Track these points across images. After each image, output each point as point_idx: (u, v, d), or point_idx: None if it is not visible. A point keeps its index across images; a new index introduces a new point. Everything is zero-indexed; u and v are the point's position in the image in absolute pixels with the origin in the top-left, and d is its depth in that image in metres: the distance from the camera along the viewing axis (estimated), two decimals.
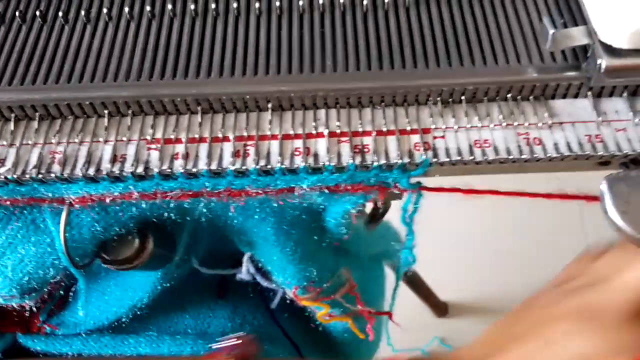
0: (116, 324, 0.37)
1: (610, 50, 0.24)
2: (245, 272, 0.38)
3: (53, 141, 0.24)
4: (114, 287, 0.39)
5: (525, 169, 0.28)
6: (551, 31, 0.24)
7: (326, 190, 0.25)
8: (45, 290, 0.28)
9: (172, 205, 0.25)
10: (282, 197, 0.25)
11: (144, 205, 0.26)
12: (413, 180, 0.25)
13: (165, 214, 0.27)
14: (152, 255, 0.28)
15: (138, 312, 0.36)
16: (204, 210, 0.26)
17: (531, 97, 0.26)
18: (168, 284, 0.36)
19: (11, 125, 0.24)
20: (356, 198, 0.26)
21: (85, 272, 0.28)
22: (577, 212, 1.01)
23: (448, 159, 0.24)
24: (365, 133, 0.25)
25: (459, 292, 0.95)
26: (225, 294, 0.42)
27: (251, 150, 0.24)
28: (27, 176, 0.23)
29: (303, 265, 0.32)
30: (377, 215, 0.34)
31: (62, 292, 0.33)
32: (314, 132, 0.25)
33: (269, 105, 0.25)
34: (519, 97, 0.26)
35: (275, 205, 0.26)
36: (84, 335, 0.34)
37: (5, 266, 0.26)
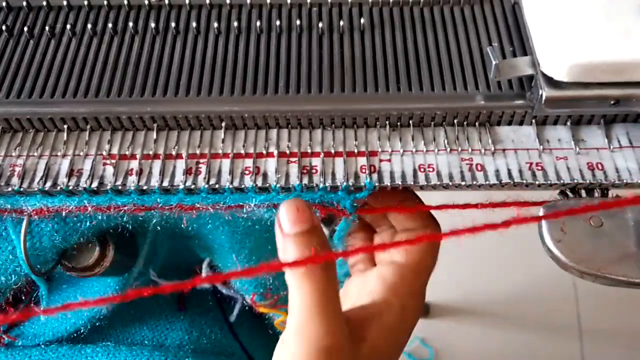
0: (75, 335, 0.38)
1: (551, 82, 0.25)
2: (204, 274, 0.39)
3: (14, 154, 0.25)
4: (73, 299, 0.40)
5: (483, 188, 0.28)
6: (494, 61, 0.24)
7: (273, 208, 0.26)
8: (8, 294, 0.29)
9: (127, 217, 0.26)
10: (232, 212, 0.26)
11: (100, 217, 0.27)
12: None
13: (124, 224, 0.28)
14: (112, 263, 0.30)
15: (97, 324, 0.37)
16: (160, 219, 0.27)
17: (477, 123, 0.27)
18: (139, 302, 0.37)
19: None
20: None
21: (46, 282, 0.29)
22: None
23: (392, 183, 0.25)
24: (314, 154, 0.26)
25: (441, 293, 0.96)
26: (185, 306, 0.43)
27: (203, 168, 0.25)
28: None
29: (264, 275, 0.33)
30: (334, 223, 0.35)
31: (24, 304, 0.34)
32: (264, 152, 0.26)
33: (223, 124, 0.26)
34: (465, 123, 0.27)
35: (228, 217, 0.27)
36: (42, 346, 0.35)
37: None
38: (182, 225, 0.30)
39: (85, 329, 0.38)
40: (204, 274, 0.38)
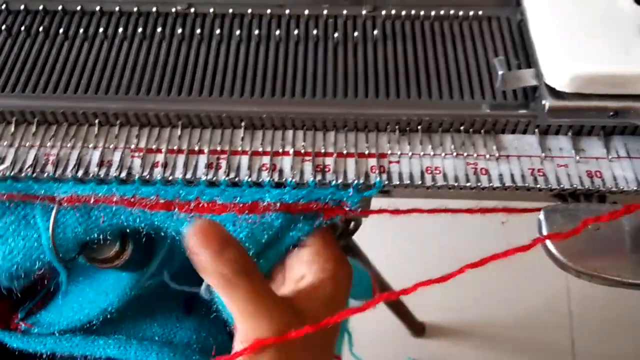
0: (87, 325, 0.39)
1: (554, 93, 0.26)
2: (204, 289, 0.40)
3: (48, 144, 0.27)
4: (88, 290, 0.42)
5: (482, 196, 0.30)
6: (500, 72, 0.26)
7: (283, 212, 0.27)
8: (32, 278, 0.31)
9: (145, 221, 0.28)
10: (245, 216, 0.27)
11: (121, 217, 0.28)
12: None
13: (142, 228, 0.29)
14: (131, 259, 0.31)
15: (108, 316, 0.39)
16: (177, 225, 0.28)
17: (482, 131, 0.28)
18: (138, 292, 0.39)
19: (12, 128, 0.27)
20: (307, 225, 0.28)
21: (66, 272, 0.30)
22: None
23: (400, 183, 0.26)
24: (327, 154, 0.27)
25: (437, 314, 0.96)
26: (192, 310, 0.44)
27: (223, 163, 0.27)
28: (23, 174, 0.26)
29: None
30: (346, 233, 0.36)
31: (43, 293, 0.36)
32: (280, 150, 0.27)
33: (242, 124, 0.28)
34: (471, 130, 0.28)
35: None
36: (56, 334, 0.37)
37: None
38: None
39: (98, 321, 0.39)
40: (202, 291, 0.39)
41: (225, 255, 0.25)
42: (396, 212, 0.28)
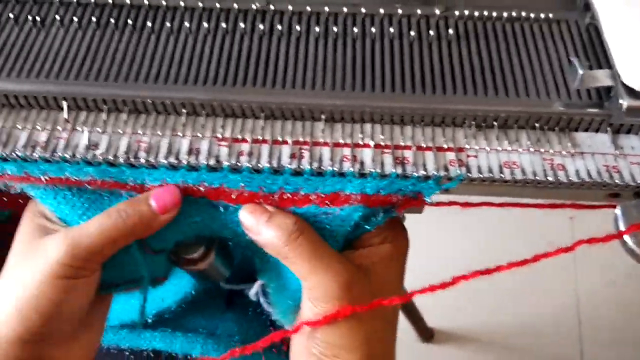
0: (137, 323, 0.40)
1: (632, 92, 0.27)
2: (253, 294, 0.41)
3: (139, 132, 0.28)
4: (140, 295, 0.42)
5: (541, 194, 0.30)
6: (581, 71, 0.27)
7: (362, 205, 0.28)
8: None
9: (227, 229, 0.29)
10: (325, 209, 0.28)
11: (208, 224, 0.29)
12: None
13: (224, 236, 0.30)
14: (213, 264, 0.32)
15: (164, 316, 0.39)
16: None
17: (556, 128, 0.29)
18: (199, 294, 0.40)
19: (103, 116, 0.28)
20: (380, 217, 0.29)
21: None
22: (569, 244, 1.03)
23: (480, 176, 0.27)
24: (406, 147, 0.28)
25: (446, 320, 0.96)
26: (232, 304, 0.45)
27: (306, 154, 0.28)
28: (120, 159, 0.27)
29: None
30: None
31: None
32: (360, 142, 0.28)
33: (323, 117, 0.29)
34: (545, 127, 0.29)
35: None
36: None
37: None
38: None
39: (151, 320, 0.40)
40: (252, 293, 0.40)
41: (275, 220, 0.27)
42: (466, 204, 0.29)
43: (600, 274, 1.00)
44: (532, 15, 0.32)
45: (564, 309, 0.99)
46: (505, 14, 0.32)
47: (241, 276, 0.42)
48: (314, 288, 0.27)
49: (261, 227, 0.27)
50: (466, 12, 0.32)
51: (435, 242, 0.94)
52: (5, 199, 0.36)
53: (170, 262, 0.32)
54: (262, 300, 0.40)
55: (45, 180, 0.27)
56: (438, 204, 0.28)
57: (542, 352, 0.96)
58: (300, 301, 0.31)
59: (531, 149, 0.28)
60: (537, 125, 0.29)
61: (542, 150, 0.28)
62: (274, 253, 0.28)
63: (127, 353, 0.40)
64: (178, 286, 0.40)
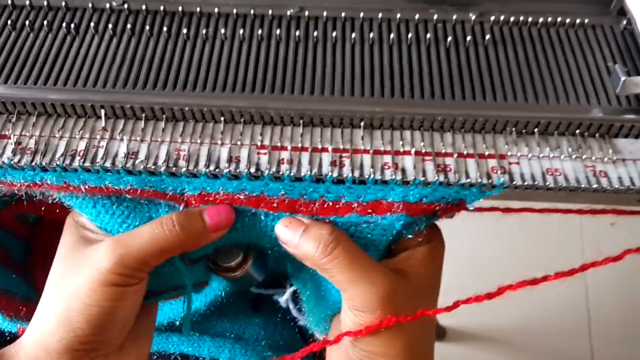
0: (166, 325, 0.40)
1: None
2: (284, 300, 0.41)
3: (179, 140, 0.28)
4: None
5: (573, 199, 0.30)
6: (623, 78, 0.27)
7: (405, 214, 0.28)
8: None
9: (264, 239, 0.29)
10: (366, 218, 0.28)
11: (246, 228, 0.29)
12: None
13: (264, 241, 0.30)
14: (250, 270, 0.32)
15: (192, 319, 0.39)
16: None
17: (597, 134, 0.29)
18: (227, 297, 0.39)
19: (141, 124, 0.28)
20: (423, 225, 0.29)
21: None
22: (579, 245, 1.03)
23: (523, 183, 0.27)
24: (447, 154, 0.28)
25: (458, 318, 0.96)
26: (259, 308, 0.45)
27: (346, 161, 0.28)
28: (160, 168, 0.26)
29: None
30: None
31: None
32: (401, 150, 0.28)
33: (362, 124, 0.29)
34: (585, 134, 0.29)
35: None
36: None
37: None
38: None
39: (179, 323, 0.40)
40: (283, 300, 0.40)
41: (312, 232, 0.27)
42: (508, 210, 0.29)
43: (610, 270, 1.00)
44: (567, 20, 0.32)
45: (573, 307, 0.99)
46: (540, 19, 0.32)
47: (269, 281, 0.41)
48: (355, 298, 0.27)
49: (298, 240, 0.27)
50: (502, 17, 0.32)
51: (459, 244, 0.94)
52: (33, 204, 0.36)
53: (208, 269, 0.32)
54: (291, 306, 0.40)
55: (85, 189, 0.27)
56: (479, 209, 0.28)
57: (553, 349, 0.96)
58: (336, 310, 0.31)
59: (573, 156, 0.28)
60: (577, 131, 0.29)
61: (583, 157, 0.28)
62: (312, 265, 0.28)
63: (155, 357, 0.40)
64: (208, 289, 0.40)
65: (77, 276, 0.25)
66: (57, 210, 0.30)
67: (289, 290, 0.37)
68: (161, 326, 0.41)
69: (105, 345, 0.26)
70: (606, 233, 1.06)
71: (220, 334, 0.43)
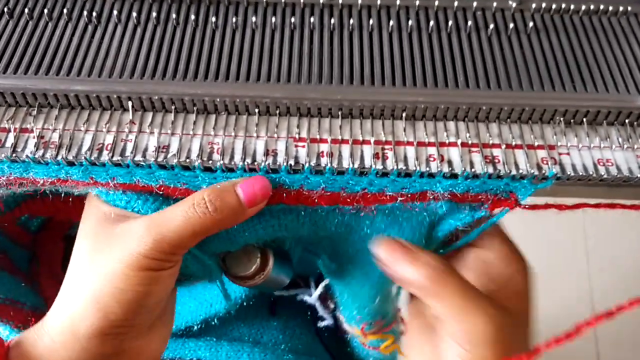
0: (184, 330, 0.38)
1: None
2: (314, 297, 0.39)
3: (212, 133, 0.26)
4: (188, 299, 0.40)
5: (614, 194, 0.29)
6: None
7: (450, 200, 0.26)
8: None
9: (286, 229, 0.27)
10: (409, 206, 0.27)
11: (264, 228, 0.28)
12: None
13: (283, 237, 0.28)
14: (271, 273, 0.29)
15: (210, 323, 0.37)
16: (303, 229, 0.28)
17: None
18: (247, 300, 0.38)
19: (171, 117, 0.27)
20: (468, 216, 0.27)
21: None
22: (582, 246, 1.02)
23: (575, 174, 0.26)
24: (494, 145, 0.27)
25: None
26: (276, 311, 0.43)
27: (389, 154, 0.26)
28: (195, 162, 0.25)
29: (382, 303, 0.33)
30: None
31: None
32: (446, 141, 0.27)
33: (403, 114, 0.27)
34: (635, 123, 0.28)
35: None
36: None
37: None
38: (322, 245, 0.30)
39: (197, 328, 0.38)
40: (315, 293, 0.38)
41: (421, 259, 0.25)
42: (562, 206, 0.27)
43: (614, 270, 0.99)
44: (610, 8, 0.31)
45: (578, 308, 0.98)
46: (582, 7, 0.30)
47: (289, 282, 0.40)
48: (465, 331, 0.25)
49: (405, 266, 0.26)
50: (543, 5, 0.30)
51: None
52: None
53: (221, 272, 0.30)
54: (318, 305, 0.38)
55: (114, 185, 0.25)
56: (534, 206, 0.27)
57: (558, 352, 0.95)
58: (374, 299, 0.29)
59: (625, 146, 0.27)
60: (627, 121, 0.28)
61: (635, 146, 0.27)
62: (417, 291, 0.26)
63: None
64: (227, 291, 0.38)
65: (109, 257, 0.23)
66: (64, 210, 0.28)
67: (320, 286, 0.36)
68: (178, 331, 0.40)
69: (136, 328, 0.24)
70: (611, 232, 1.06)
71: (238, 339, 0.41)
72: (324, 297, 0.40)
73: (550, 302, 0.97)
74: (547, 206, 0.27)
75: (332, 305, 0.39)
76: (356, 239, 0.30)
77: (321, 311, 0.39)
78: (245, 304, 0.40)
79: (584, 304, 0.99)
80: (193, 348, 0.39)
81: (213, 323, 0.39)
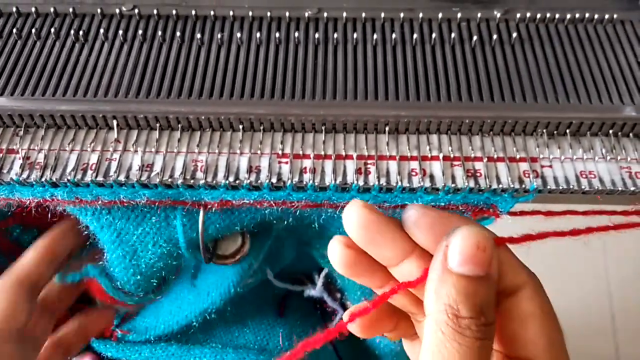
0: (185, 328, 0.38)
1: None
2: (319, 288, 0.40)
3: (195, 150, 0.26)
4: (187, 292, 0.41)
5: (608, 200, 0.29)
6: None
7: None
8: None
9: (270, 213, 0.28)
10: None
11: (257, 213, 0.28)
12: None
13: (264, 219, 0.29)
14: (246, 254, 0.32)
15: (208, 317, 0.38)
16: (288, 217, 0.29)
17: (630, 134, 0.28)
18: (240, 290, 0.38)
19: (156, 135, 0.27)
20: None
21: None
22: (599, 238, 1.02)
23: (557, 187, 0.26)
24: (476, 158, 0.27)
25: None
26: (285, 312, 0.44)
27: (372, 169, 0.26)
28: (177, 180, 0.25)
29: None
30: None
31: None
32: (428, 155, 0.27)
33: (386, 129, 0.27)
34: (619, 134, 0.28)
35: None
36: (152, 342, 0.36)
37: (138, 264, 0.28)
38: (311, 229, 0.31)
39: (197, 323, 0.38)
40: (319, 284, 0.39)
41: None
42: (549, 213, 0.27)
43: (631, 264, 0.99)
44: (595, 16, 0.30)
45: (596, 303, 0.97)
46: (568, 16, 0.30)
47: (289, 275, 0.40)
48: None
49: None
50: (527, 14, 0.30)
51: None
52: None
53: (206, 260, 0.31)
54: (325, 295, 0.39)
55: (99, 204, 0.25)
56: (521, 212, 0.27)
57: (576, 347, 0.95)
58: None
59: (608, 157, 0.27)
60: (610, 131, 0.27)
61: (618, 158, 0.27)
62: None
63: None
64: (222, 277, 0.38)
65: None
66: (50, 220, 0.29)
67: (321, 276, 0.36)
68: (181, 330, 0.40)
69: None
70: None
71: (243, 346, 0.42)
72: (329, 289, 0.40)
73: (567, 297, 0.96)
74: (534, 213, 0.27)
75: (338, 295, 0.40)
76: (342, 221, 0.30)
77: (329, 302, 0.40)
78: (251, 305, 0.40)
79: (601, 296, 0.98)
80: (198, 355, 0.40)
81: (213, 316, 0.39)
